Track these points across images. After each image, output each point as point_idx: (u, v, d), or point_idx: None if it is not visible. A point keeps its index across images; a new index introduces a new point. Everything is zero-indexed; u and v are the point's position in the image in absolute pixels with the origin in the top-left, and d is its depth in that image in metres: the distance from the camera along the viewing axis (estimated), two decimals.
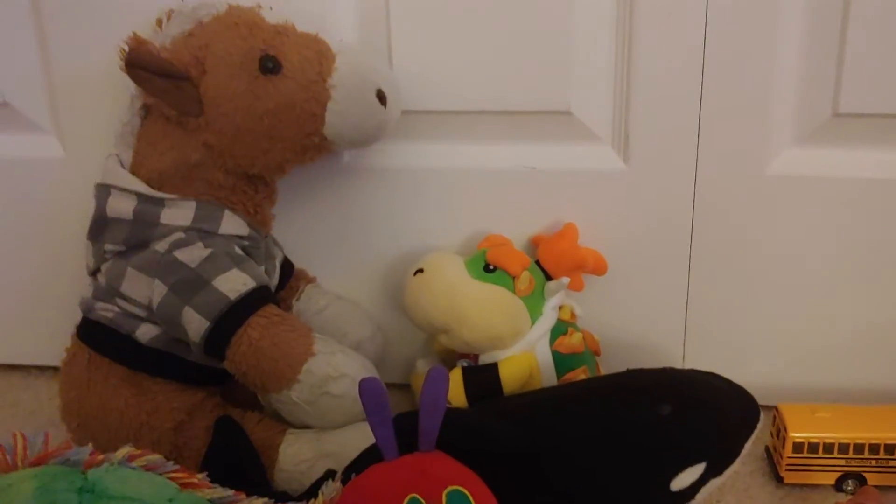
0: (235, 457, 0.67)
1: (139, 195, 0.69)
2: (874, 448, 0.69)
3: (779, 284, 0.78)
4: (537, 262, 0.76)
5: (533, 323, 0.73)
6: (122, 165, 0.71)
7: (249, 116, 0.67)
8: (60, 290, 0.85)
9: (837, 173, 0.74)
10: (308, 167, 0.77)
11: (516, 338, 0.73)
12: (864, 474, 0.70)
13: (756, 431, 0.64)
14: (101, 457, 0.54)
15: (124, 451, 0.55)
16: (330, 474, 0.60)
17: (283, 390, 0.67)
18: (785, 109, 0.73)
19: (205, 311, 0.65)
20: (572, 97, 0.75)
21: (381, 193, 0.80)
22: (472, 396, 0.72)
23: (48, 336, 0.84)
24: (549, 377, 0.73)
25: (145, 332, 0.70)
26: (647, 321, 0.81)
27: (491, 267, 0.73)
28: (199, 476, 0.56)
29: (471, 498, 0.52)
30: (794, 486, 0.72)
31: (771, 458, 0.74)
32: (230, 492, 0.57)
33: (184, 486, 0.55)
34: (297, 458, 0.69)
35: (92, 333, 0.71)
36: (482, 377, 0.73)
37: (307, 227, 0.82)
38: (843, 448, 0.70)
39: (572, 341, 0.74)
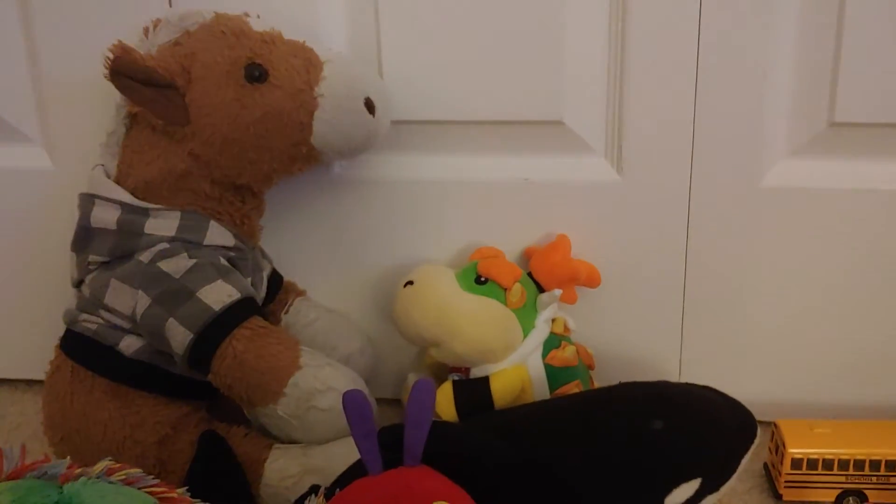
0: (219, 472, 0.66)
1: (123, 205, 0.68)
2: (875, 464, 0.68)
3: (776, 297, 0.77)
4: (529, 275, 0.76)
5: (525, 336, 0.72)
6: (108, 175, 0.70)
7: (236, 126, 0.66)
8: (49, 303, 0.84)
9: (834, 185, 0.73)
10: (298, 178, 0.77)
11: (508, 351, 0.72)
12: (865, 491, 0.69)
13: (753, 446, 0.63)
14: (78, 470, 0.53)
15: (102, 464, 0.54)
16: (314, 490, 0.59)
17: (268, 404, 0.66)
18: (780, 119, 0.72)
19: (189, 323, 0.64)
20: (565, 107, 0.74)
21: (371, 205, 0.80)
22: (463, 411, 0.71)
23: (36, 350, 0.83)
24: (541, 391, 0.72)
25: (129, 345, 0.69)
26: (643, 334, 0.80)
27: (482, 279, 0.72)
28: (180, 491, 0.55)
29: None
30: (793, 503, 0.71)
31: (769, 475, 0.73)
32: None
33: (163, 500, 0.54)
34: (283, 473, 0.68)
35: (75, 346, 0.70)
36: (473, 391, 0.71)
37: (297, 240, 0.81)
38: (843, 464, 0.69)
39: (565, 354, 0.73)
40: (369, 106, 0.68)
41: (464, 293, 0.72)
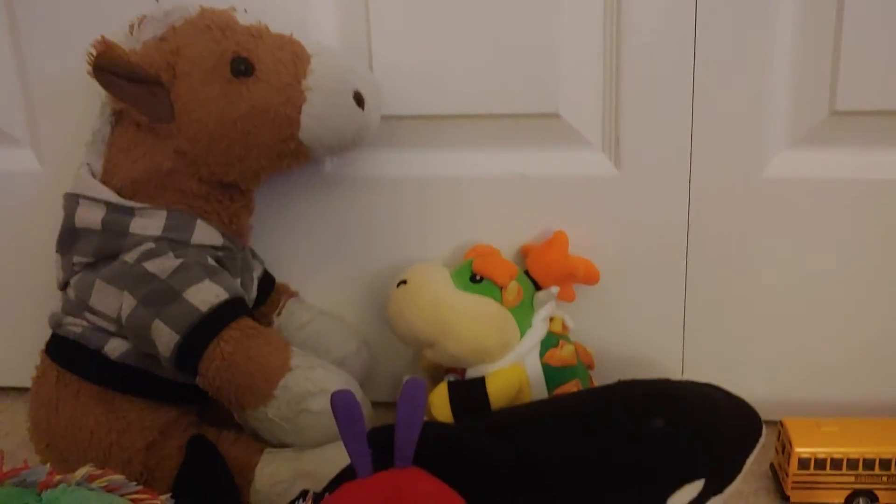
0: (208, 477, 0.65)
1: (108, 204, 0.67)
2: (885, 463, 0.67)
3: (780, 292, 0.76)
4: (526, 272, 0.75)
5: (522, 335, 0.71)
6: (94, 175, 0.69)
7: (222, 121, 0.65)
8: (38, 308, 0.82)
9: (838, 174, 0.72)
10: (290, 177, 0.76)
11: (504, 350, 0.71)
12: (876, 492, 0.68)
13: (759, 446, 0.62)
14: (58, 477, 0.52)
15: (83, 470, 0.53)
16: (303, 494, 0.57)
17: (258, 407, 0.65)
18: (780, 109, 0.71)
19: (175, 324, 0.63)
20: (560, 99, 0.73)
21: (365, 203, 0.79)
22: (459, 412, 0.70)
23: (25, 356, 0.81)
24: (539, 391, 0.71)
25: (115, 348, 0.67)
26: (644, 332, 0.79)
27: (478, 277, 0.71)
28: (163, 498, 0.54)
29: None
30: None
31: (776, 476, 0.72)
32: None
33: None
34: (274, 478, 0.67)
35: (60, 349, 0.69)
36: (469, 392, 0.70)
37: (289, 239, 0.80)
38: (852, 464, 0.67)
39: (564, 354, 0.72)
40: (358, 100, 0.67)
41: (458, 292, 0.71)
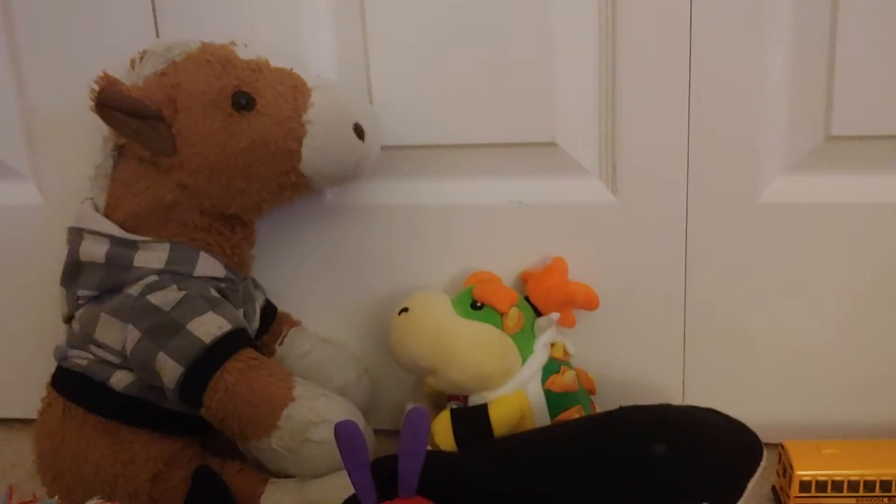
0: None
1: (112, 238, 0.67)
2: (886, 485, 0.67)
3: (779, 315, 0.76)
4: (526, 299, 0.75)
5: (523, 361, 0.71)
6: (97, 209, 0.70)
7: (224, 155, 0.66)
8: (41, 340, 0.83)
9: (833, 199, 0.73)
10: (290, 207, 0.76)
11: (506, 377, 0.71)
12: None
13: (760, 469, 0.62)
14: None
15: (91, 502, 0.53)
16: None
17: (262, 437, 0.65)
18: (776, 135, 0.72)
19: (179, 356, 0.63)
20: (557, 128, 0.74)
21: (365, 232, 0.79)
22: (462, 440, 0.70)
23: (30, 388, 0.82)
24: (541, 418, 0.71)
25: (120, 380, 0.68)
26: (644, 357, 0.79)
27: (478, 304, 0.71)
28: None
29: None
30: None
31: (778, 498, 0.72)
32: None
33: None
34: None
35: (66, 382, 0.70)
36: (471, 419, 0.70)
37: (290, 269, 0.81)
38: (853, 486, 0.67)
39: (565, 380, 0.72)
40: (358, 131, 0.67)
41: (459, 319, 0.71)
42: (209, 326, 0.64)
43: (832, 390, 0.77)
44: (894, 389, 0.77)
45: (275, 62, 0.69)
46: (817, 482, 0.67)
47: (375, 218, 0.78)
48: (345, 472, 0.64)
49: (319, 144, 0.66)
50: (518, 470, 0.59)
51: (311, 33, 0.74)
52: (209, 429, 0.68)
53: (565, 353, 0.75)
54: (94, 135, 0.72)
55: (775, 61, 0.70)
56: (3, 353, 0.87)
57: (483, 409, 0.70)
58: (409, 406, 0.76)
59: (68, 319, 0.71)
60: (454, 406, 0.72)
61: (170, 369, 0.63)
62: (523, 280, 0.77)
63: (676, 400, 0.79)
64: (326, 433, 0.65)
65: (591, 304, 0.76)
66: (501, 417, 0.70)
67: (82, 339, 0.69)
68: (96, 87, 0.64)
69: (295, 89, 0.66)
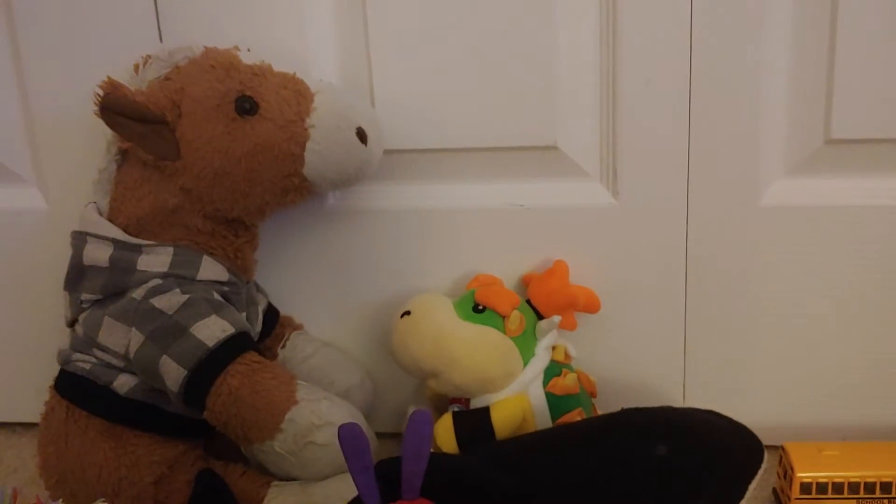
0: None
1: (115, 242, 0.68)
2: (886, 487, 0.67)
3: (779, 317, 0.76)
4: (528, 302, 0.75)
5: (525, 364, 0.71)
6: (100, 212, 0.70)
7: (227, 159, 0.66)
8: (44, 344, 0.83)
9: (834, 202, 0.73)
10: (292, 210, 0.76)
11: (508, 380, 0.71)
12: None
13: (761, 471, 0.62)
14: None
15: None
16: None
17: (265, 440, 0.65)
18: (776, 138, 0.72)
19: (182, 360, 0.63)
20: (558, 131, 0.74)
21: (367, 236, 0.79)
22: (464, 442, 0.70)
23: (32, 392, 0.82)
24: (543, 420, 0.71)
25: (123, 383, 0.68)
26: (645, 360, 0.79)
27: (480, 307, 0.72)
28: None
29: None
30: None
31: (778, 500, 0.72)
32: None
33: None
34: None
35: (69, 386, 0.70)
36: (473, 422, 0.70)
37: (292, 273, 0.81)
38: (854, 488, 0.68)
39: (567, 382, 0.72)
40: (361, 136, 0.67)
41: (462, 322, 0.71)
42: (212, 330, 0.64)
43: (833, 392, 0.78)
44: (895, 391, 0.77)
45: (277, 67, 0.69)
46: (818, 484, 0.67)
47: (377, 221, 0.79)
48: (347, 475, 0.65)
49: (322, 148, 0.66)
50: (521, 472, 0.59)
51: (313, 38, 0.74)
52: (212, 432, 0.68)
53: (567, 355, 0.75)
54: (97, 139, 0.72)
55: (775, 65, 0.70)
56: (5, 357, 0.87)
57: (485, 411, 0.70)
58: (412, 409, 0.76)
59: (71, 323, 0.71)
60: (456, 409, 0.72)
61: (173, 373, 0.64)
62: (525, 283, 0.77)
63: (677, 402, 0.80)
64: (329, 436, 0.65)
65: (592, 307, 0.76)
66: (503, 420, 0.70)
67: (86, 343, 0.69)
68: (100, 92, 0.64)
69: (298, 94, 0.67)
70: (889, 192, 0.72)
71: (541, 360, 0.72)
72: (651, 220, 0.75)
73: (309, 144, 0.66)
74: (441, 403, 0.76)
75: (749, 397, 0.79)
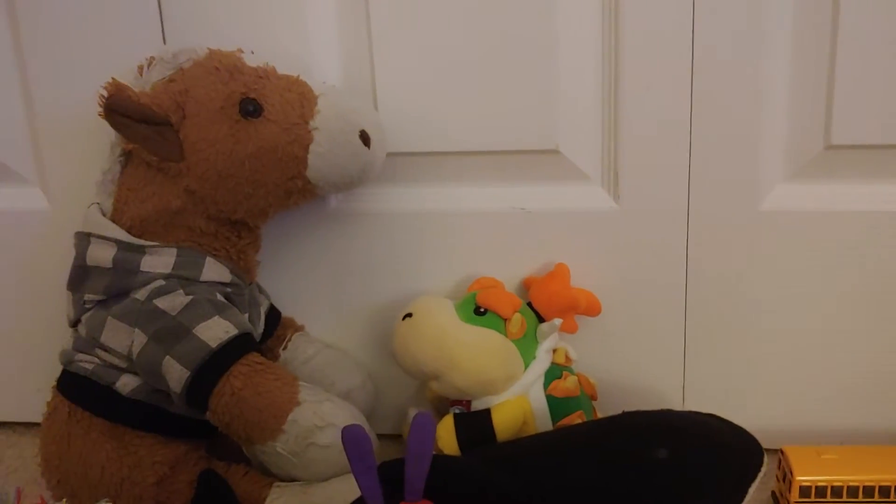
0: None
1: (119, 243, 0.68)
2: (885, 491, 0.67)
3: (779, 322, 0.77)
4: (529, 304, 0.75)
5: (526, 366, 0.72)
6: (104, 213, 0.70)
7: (231, 161, 0.66)
8: (46, 344, 0.83)
9: (832, 207, 0.73)
10: (295, 213, 0.76)
11: (509, 382, 0.71)
12: None
13: (761, 475, 0.62)
14: None
15: None
16: None
17: (267, 441, 0.65)
18: (776, 143, 0.72)
19: (185, 361, 0.64)
20: (560, 135, 0.74)
21: (368, 238, 0.79)
22: (465, 444, 0.70)
23: (34, 392, 0.83)
24: (543, 422, 0.72)
25: (126, 384, 0.68)
26: (645, 363, 0.79)
27: (481, 310, 0.72)
28: None
29: None
30: None
31: None
32: None
33: None
34: None
35: (72, 386, 0.70)
36: (475, 424, 0.70)
37: (294, 274, 0.81)
38: (853, 491, 0.68)
39: (567, 385, 0.72)
40: (364, 138, 0.68)
41: (463, 324, 0.71)
42: (215, 331, 0.65)
43: (832, 396, 0.78)
44: (894, 395, 0.77)
45: (281, 69, 0.69)
46: (817, 488, 0.68)
47: (380, 224, 0.79)
48: (349, 476, 0.65)
49: (325, 151, 0.66)
50: (521, 474, 0.60)
51: (316, 41, 0.75)
52: (214, 432, 0.68)
53: (567, 358, 0.75)
54: (100, 140, 0.72)
55: (776, 70, 0.70)
56: (7, 357, 0.87)
57: (486, 413, 0.70)
58: (413, 411, 0.77)
59: (74, 324, 0.71)
60: (457, 411, 0.73)
61: (176, 373, 0.64)
62: (526, 286, 0.78)
63: (676, 405, 0.80)
64: (331, 437, 0.65)
65: (593, 310, 0.76)
66: (504, 422, 0.70)
67: (88, 344, 0.69)
68: (105, 93, 0.65)
69: (301, 96, 0.67)
70: (889, 198, 0.72)
71: (542, 362, 0.72)
72: (652, 224, 0.75)
73: (312, 147, 0.66)
74: (442, 405, 0.76)
75: (748, 400, 0.79)
